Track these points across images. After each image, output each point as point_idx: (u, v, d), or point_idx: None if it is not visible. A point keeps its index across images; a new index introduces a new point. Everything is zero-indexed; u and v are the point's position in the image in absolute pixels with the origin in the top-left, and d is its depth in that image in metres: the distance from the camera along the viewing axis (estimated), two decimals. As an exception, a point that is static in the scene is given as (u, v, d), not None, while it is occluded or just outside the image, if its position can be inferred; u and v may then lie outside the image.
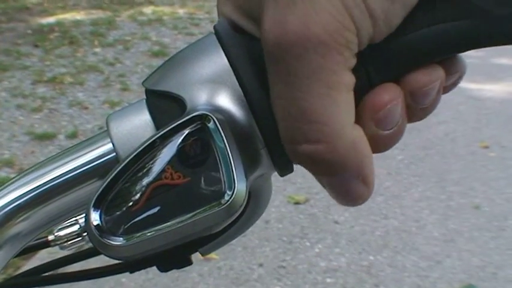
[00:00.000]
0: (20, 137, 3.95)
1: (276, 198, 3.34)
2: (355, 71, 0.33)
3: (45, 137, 3.95)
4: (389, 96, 0.34)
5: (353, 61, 0.32)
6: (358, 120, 0.35)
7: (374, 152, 0.37)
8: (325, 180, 0.36)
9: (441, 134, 4.30)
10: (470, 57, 6.43)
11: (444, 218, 3.28)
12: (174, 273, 2.64)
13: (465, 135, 4.33)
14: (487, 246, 3.04)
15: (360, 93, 0.34)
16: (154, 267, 0.45)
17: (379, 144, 0.37)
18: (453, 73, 0.37)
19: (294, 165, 0.39)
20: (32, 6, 7.33)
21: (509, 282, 2.77)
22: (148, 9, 7.77)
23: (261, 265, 2.80)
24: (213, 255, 2.79)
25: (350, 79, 0.33)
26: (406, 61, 0.34)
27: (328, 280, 2.72)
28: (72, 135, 3.97)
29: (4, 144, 3.83)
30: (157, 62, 5.50)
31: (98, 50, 5.86)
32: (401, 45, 0.33)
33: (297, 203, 3.33)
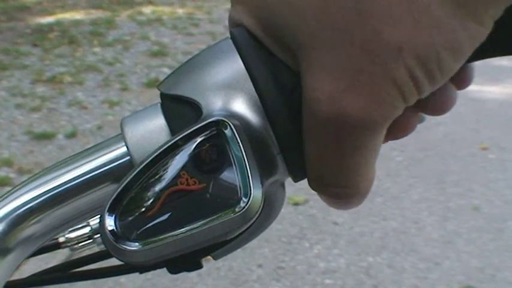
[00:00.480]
0: (19, 136, 3.95)
1: (275, 199, 3.34)
2: None
3: (44, 137, 3.94)
4: (412, 124, 0.40)
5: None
6: None
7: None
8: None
9: (440, 135, 4.30)
10: (470, 58, 6.40)
11: (443, 220, 3.28)
12: (172, 273, 2.64)
13: (464, 136, 4.33)
14: (486, 248, 3.04)
15: None
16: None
17: None
18: (465, 81, 0.40)
19: None
20: (31, 6, 7.33)
21: (508, 283, 2.77)
22: (147, 9, 7.77)
23: (260, 266, 2.80)
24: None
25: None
26: None
27: (327, 281, 2.72)
28: (71, 135, 3.96)
29: (3, 143, 3.83)
30: (156, 62, 5.51)
31: (97, 49, 5.86)
32: None
33: (296, 204, 3.33)
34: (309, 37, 0.32)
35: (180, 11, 7.86)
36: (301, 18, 0.32)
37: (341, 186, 0.35)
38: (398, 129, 0.39)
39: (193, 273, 2.68)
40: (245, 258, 2.84)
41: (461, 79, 0.39)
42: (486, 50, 0.34)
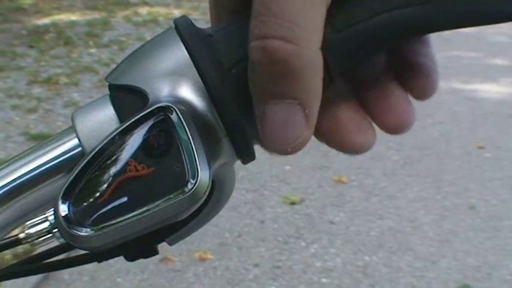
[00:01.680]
0: (15, 137, 3.94)
1: (271, 198, 3.35)
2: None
3: (41, 138, 3.94)
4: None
5: None
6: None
7: None
8: (269, 108, 0.36)
9: (436, 134, 4.30)
10: (465, 58, 6.46)
11: (439, 219, 3.29)
12: (169, 273, 2.65)
13: (460, 135, 4.34)
14: (482, 247, 3.04)
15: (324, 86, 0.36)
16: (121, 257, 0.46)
17: None
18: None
19: (259, 154, 0.40)
20: (27, 7, 7.32)
21: (504, 282, 2.78)
22: (143, 10, 7.76)
23: (256, 265, 2.80)
24: (208, 255, 2.80)
25: None
26: (364, 48, 0.36)
27: (324, 280, 2.72)
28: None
29: (-1, 144, 3.83)
30: (152, 63, 5.51)
31: (93, 50, 5.86)
32: (358, 32, 0.35)
33: (292, 203, 3.34)
34: None
35: (176, 12, 7.86)
36: None
37: (283, 37, 0.33)
38: (382, 110, 0.39)
39: (190, 273, 2.68)
40: (241, 257, 2.85)
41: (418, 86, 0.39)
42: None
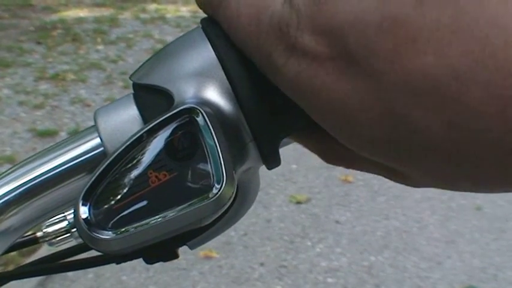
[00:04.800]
0: (22, 133, 3.95)
1: (278, 197, 3.35)
2: None
3: (47, 134, 3.94)
4: None
5: None
6: None
7: None
8: None
9: (443, 134, 4.27)
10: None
11: (445, 219, 3.28)
12: (175, 271, 2.65)
13: (467, 136, 4.31)
14: (488, 248, 3.04)
15: None
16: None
17: None
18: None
19: (283, 160, 0.39)
20: (35, 3, 7.33)
21: (510, 283, 2.77)
22: (151, 7, 7.77)
23: (262, 264, 2.80)
24: (213, 253, 2.80)
25: None
26: None
27: (329, 280, 2.72)
28: (74, 132, 3.95)
29: (6, 140, 3.83)
30: (159, 60, 5.51)
31: (100, 47, 5.86)
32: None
33: (298, 203, 3.33)
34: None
35: (184, 9, 7.86)
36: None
37: None
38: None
39: (195, 271, 2.68)
40: (247, 256, 2.84)
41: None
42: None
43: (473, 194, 3.44)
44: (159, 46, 5.92)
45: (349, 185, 3.56)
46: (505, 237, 3.14)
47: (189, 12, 7.73)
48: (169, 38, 6.30)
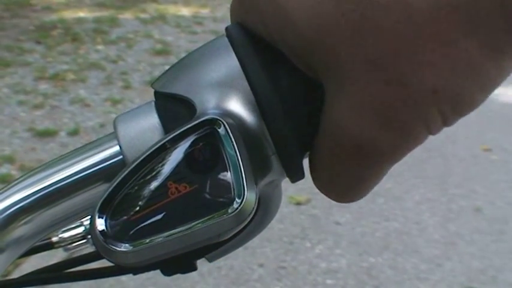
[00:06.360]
0: (21, 133, 3.94)
1: (277, 198, 3.34)
2: None
3: (47, 134, 3.94)
4: None
5: None
6: None
7: None
8: None
9: (443, 136, 4.25)
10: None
11: (445, 221, 3.28)
12: (173, 272, 2.64)
13: (467, 137, 4.32)
14: (488, 249, 3.03)
15: None
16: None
17: None
18: None
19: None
20: (35, 3, 7.33)
21: (509, 285, 2.77)
22: (151, 8, 7.76)
23: (261, 265, 2.80)
24: (213, 254, 2.79)
25: None
26: None
27: (329, 281, 2.71)
28: (74, 133, 3.96)
29: (5, 140, 3.82)
30: (159, 60, 5.50)
31: (100, 47, 5.86)
32: None
33: (298, 204, 3.33)
34: (339, 64, 0.31)
35: (184, 10, 7.86)
36: (332, 41, 0.31)
37: (359, 191, 0.37)
38: None
39: (194, 272, 2.67)
40: (246, 257, 2.84)
41: None
42: None
43: (473, 195, 3.44)
44: (159, 46, 5.92)
45: (348, 186, 3.54)
46: (504, 239, 3.13)
47: (189, 12, 7.73)
48: (170, 38, 6.30)
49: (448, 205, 3.43)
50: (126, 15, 7.21)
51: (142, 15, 7.29)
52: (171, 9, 7.78)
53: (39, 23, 6.48)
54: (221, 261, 2.77)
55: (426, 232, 3.17)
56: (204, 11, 7.78)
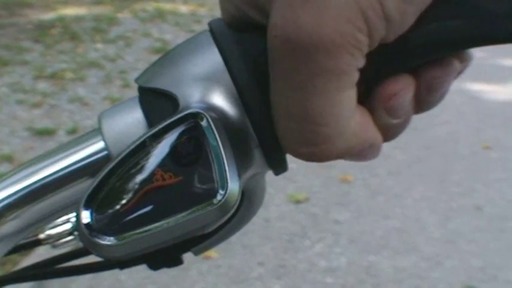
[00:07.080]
0: (20, 132, 3.94)
1: (277, 196, 3.34)
2: (363, 68, 0.32)
3: (45, 133, 3.94)
4: (400, 86, 0.35)
5: (362, 61, 0.32)
6: (370, 110, 0.35)
7: (383, 141, 0.37)
8: None
9: (443, 134, 4.29)
10: (473, 57, 6.40)
11: (445, 219, 3.28)
12: (172, 271, 2.64)
13: (467, 135, 4.32)
14: (488, 248, 3.03)
15: (369, 85, 0.34)
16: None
17: (389, 133, 0.37)
18: (464, 61, 0.38)
19: (290, 164, 0.38)
20: (33, 1, 7.33)
21: (510, 283, 2.77)
22: (150, 6, 7.77)
23: (260, 264, 2.80)
24: (212, 253, 2.79)
25: (356, 78, 0.32)
26: (413, 57, 0.34)
27: (328, 280, 2.71)
28: (73, 131, 3.96)
29: (4, 139, 3.83)
30: (158, 59, 5.51)
31: (99, 46, 5.86)
32: (408, 41, 0.33)
33: (297, 202, 3.33)
34: None
35: (183, 8, 7.87)
36: None
37: (311, 144, 0.33)
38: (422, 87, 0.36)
39: (194, 271, 2.68)
40: (246, 255, 2.84)
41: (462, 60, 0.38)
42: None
43: (473, 193, 3.44)
44: (158, 45, 5.92)
45: (348, 184, 3.55)
46: (504, 237, 3.13)
47: (188, 11, 7.73)
48: (168, 37, 6.30)
49: (448, 203, 3.43)
50: (125, 14, 7.22)
51: (141, 14, 7.30)
52: (170, 8, 7.79)
53: (37, 21, 6.48)
54: (220, 260, 2.77)
55: (426, 230, 3.16)
56: (203, 10, 7.79)
